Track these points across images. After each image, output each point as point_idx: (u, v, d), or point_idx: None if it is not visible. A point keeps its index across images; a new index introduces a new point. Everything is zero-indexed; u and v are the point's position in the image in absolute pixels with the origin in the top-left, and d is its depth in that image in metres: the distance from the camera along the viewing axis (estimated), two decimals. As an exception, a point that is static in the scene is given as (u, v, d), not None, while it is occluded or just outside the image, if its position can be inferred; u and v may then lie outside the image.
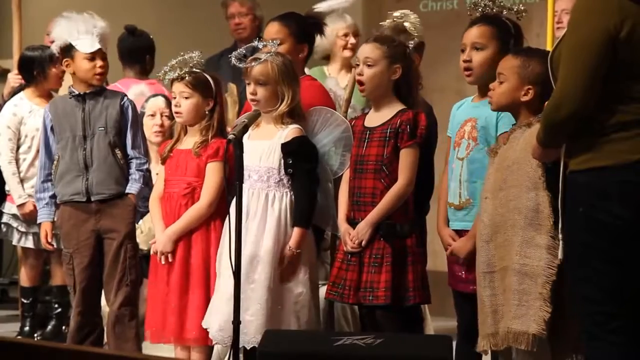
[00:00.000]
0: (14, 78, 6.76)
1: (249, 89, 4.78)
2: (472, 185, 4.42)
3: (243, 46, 6.66)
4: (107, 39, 5.48)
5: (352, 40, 6.24)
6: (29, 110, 6.43)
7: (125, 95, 5.53)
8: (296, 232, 4.69)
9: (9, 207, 6.51)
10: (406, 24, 4.71)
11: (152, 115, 5.80)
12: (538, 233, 3.96)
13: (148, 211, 5.29)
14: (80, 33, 5.37)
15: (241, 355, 4.56)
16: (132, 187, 5.36)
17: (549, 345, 4.01)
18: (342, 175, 4.80)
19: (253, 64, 4.74)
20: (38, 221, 5.62)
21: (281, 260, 4.67)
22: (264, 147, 4.75)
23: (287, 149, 4.71)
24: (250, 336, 4.58)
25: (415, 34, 4.70)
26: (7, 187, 6.49)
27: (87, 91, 5.41)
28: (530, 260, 3.96)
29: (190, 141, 5.04)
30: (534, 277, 3.94)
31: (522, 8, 4.55)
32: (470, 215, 4.41)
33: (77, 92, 5.44)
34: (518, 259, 3.98)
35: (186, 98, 4.98)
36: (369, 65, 4.63)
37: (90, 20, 5.40)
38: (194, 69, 5.00)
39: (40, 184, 5.51)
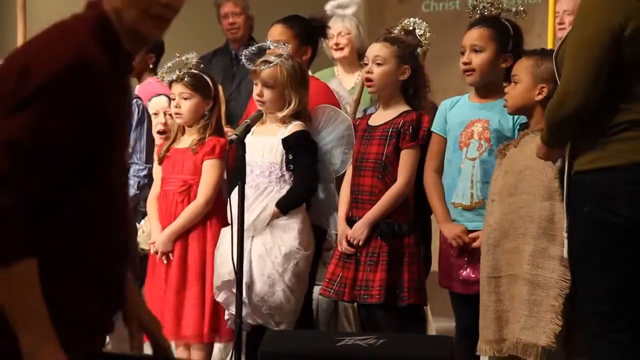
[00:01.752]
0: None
1: (256, 90, 4.79)
2: (485, 185, 4.39)
3: (236, 46, 6.65)
4: None
5: (342, 40, 6.22)
6: None
7: (136, 98, 5.51)
8: (275, 207, 4.70)
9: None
10: (417, 32, 4.72)
11: (156, 114, 5.80)
12: (552, 244, 3.94)
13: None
14: None
15: (243, 356, 4.56)
16: None
17: (562, 354, 4.01)
18: (344, 173, 4.81)
19: (263, 66, 4.75)
20: None
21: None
22: (266, 143, 4.76)
23: (287, 143, 4.72)
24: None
25: (425, 42, 4.72)
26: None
27: None
28: (543, 271, 3.94)
29: (187, 140, 5.05)
30: (546, 289, 3.93)
31: (522, 9, 4.56)
32: (481, 216, 4.39)
33: None
34: (529, 269, 3.96)
35: (186, 99, 5.00)
36: (378, 64, 4.64)
37: None
38: (193, 70, 5.02)
39: None
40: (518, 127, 4.36)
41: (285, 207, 4.70)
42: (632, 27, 3.56)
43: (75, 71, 2.30)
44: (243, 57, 4.81)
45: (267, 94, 4.75)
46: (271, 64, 4.73)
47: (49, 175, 2.29)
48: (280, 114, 4.75)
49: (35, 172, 2.28)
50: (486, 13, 4.52)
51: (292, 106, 4.74)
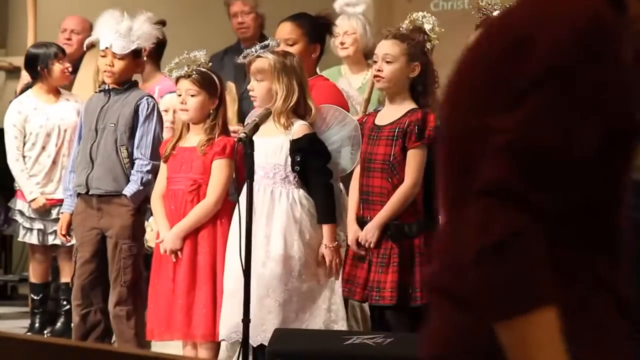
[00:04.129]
0: (27, 75, 6.74)
1: (250, 85, 4.80)
2: None
3: (246, 45, 6.66)
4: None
5: (348, 39, 6.20)
6: (33, 108, 6.41)
7: (148, 96, 5.51)
8: (326, 228, 4.67)
9: (16, 204, 6.51)
10: (426, 26, 4.71)
11: (166, 111, 5.80)
12: None
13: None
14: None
15: (250, 356, 4.55)
16: (129, 188, 5.31)
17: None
18: (350, 173, 4.80)
19: (248, 59, 4.77)
20: (61, 211, 5.71)
21: (322, 260, 4.66)
22: (269, 144, 4.73)
23: (297, 145, 4.69)
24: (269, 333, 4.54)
25: (433, 36, 4.71)
26: (15, 184, 6.50)
27: (112, 86, 5.42)
28: None
29: (194, 139, 5.03)
30: None
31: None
32: None
33: (105, 87, 5.46)
34: None
35: (192, 96, 4.98)
36: (387, 62, 4.62)
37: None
38: (201, 68, 5.02)
39: (68, 174, 5.60)
40: None
41: (332, 215, 4.68)
42: None
43: (591, 41, 1.73)
44: (241, 56, 4.84)
45: (256, 87, 4.75)
46: (254, 55, 4.75)
47: (572, 187, 1.71)
48: (272, 109, 4.71)
49: (556, 183, 1.69)
50: (481, 14, 4.52)
51: (278, 98, 4.69)
